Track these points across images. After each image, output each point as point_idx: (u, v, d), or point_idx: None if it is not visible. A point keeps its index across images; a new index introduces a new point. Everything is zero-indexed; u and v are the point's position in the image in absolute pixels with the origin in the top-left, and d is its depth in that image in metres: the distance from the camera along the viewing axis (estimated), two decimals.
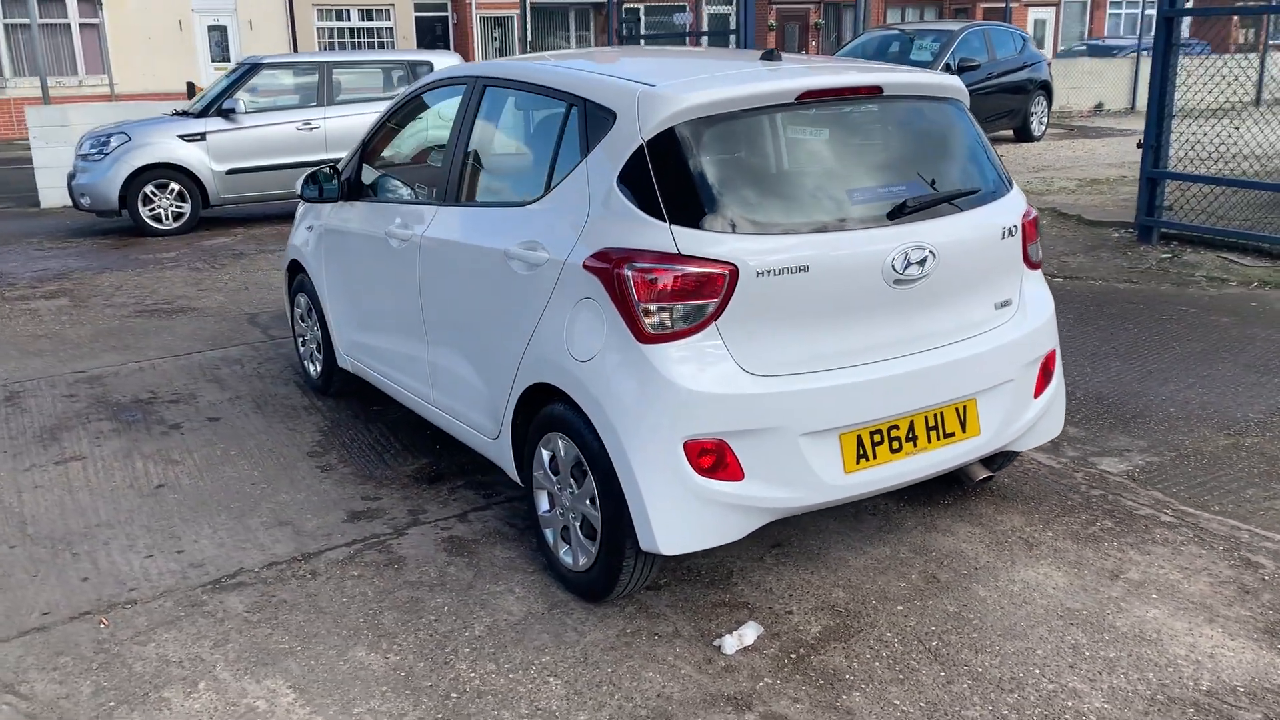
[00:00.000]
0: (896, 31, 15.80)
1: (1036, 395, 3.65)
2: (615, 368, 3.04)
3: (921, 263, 3.21)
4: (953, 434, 3.39)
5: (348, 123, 11.40)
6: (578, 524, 3.34)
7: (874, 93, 3.38)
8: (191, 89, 14.46)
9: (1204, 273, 7.44)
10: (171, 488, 4.38)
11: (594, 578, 3.29)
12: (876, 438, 3.23)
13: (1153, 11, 39.07)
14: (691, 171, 3.08)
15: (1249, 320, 6.30)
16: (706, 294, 2.97)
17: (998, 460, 3.89)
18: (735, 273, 2.97)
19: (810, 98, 3.25)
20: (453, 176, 3.96)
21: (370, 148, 4.74)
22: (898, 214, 3.21)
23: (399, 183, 4.58)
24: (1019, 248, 3.55)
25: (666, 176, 3.06)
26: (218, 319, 7.15)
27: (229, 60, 29.04)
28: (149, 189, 10.74)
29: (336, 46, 28.54)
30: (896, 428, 3.26)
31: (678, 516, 3.02)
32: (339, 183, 4.74)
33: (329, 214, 4.92)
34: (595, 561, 3.26)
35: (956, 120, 3.55)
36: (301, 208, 5.45)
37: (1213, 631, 3.13)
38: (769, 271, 3.01)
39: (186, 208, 10.87)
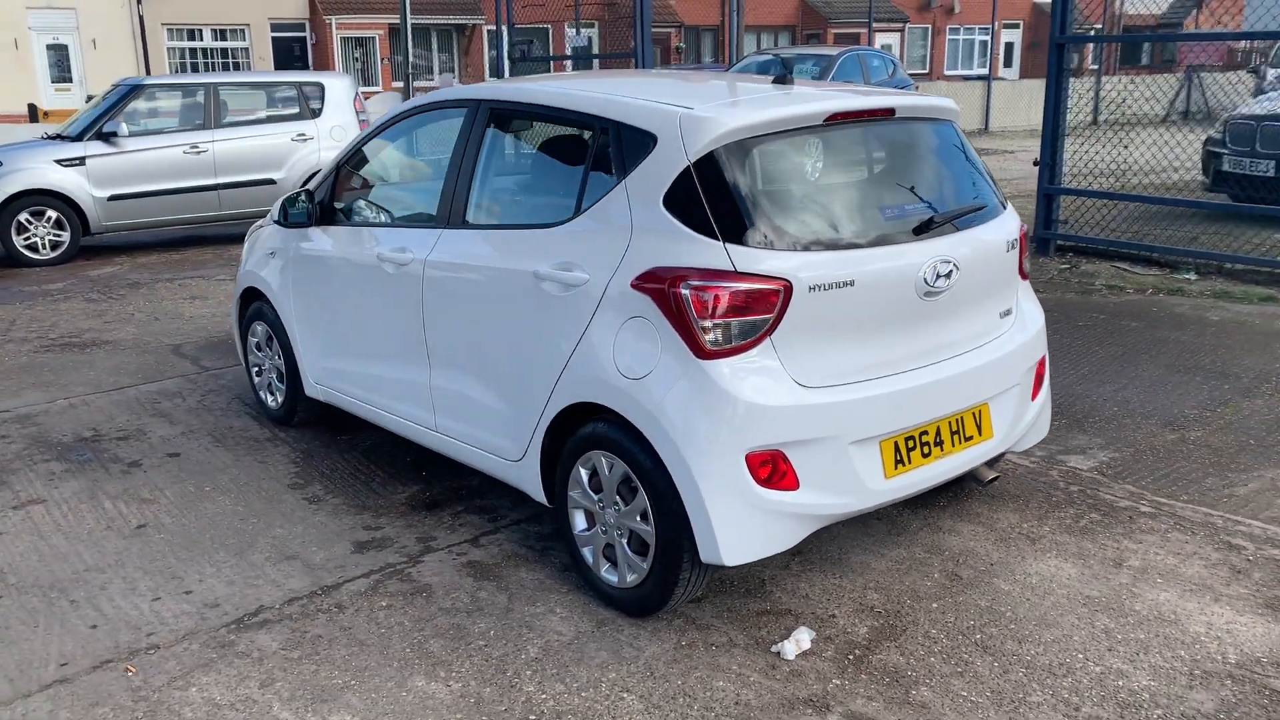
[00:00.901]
0: (771, 56, 16.31)
1: (1033, 398, 3.88)
2: (673, 384, 3.10)
3: (948, 275, 3.38)
4: (971, 437, 3.57)
5: (238, 146, 11.08)
6: (624, 540, 3.36)
7: (888, 115, 3.54)
8: (34, 111, 13.74)
9: (1103, 281, 7.97)
10: (154, 527, 4.19)
11: (645, 593, 3.33)
12: (910, 443, 3.38)
13: (987, 38, 41.31)
14: (740, 191, 3.17)
15: (1155, 324, 6.79)
16: (762, 309, 3.06)
17: (998, 461, 4.10)
18: (789, 288, 3.07)
19: (836, 120, 3.39)
20: (457, 200, 3.94)
21: (345, 172, 4.65)
22: (923, 229, 3.38)
23: (385, 207, 4.51)
24: (1016, 260, 3.78)
25: (715, 196, 3.14)
26: (138, 352, 6.83)
27: (71, 81, 27.63)
28: (24, 217, 10.16)
29: (189, 68, 27.53)
30: (926, 433, 3.42)
31: (739, 527, 3.09)
32: (312, 207, 4.63)
33: (297, 239, 4.80)
34: (648, 576, 3.30)
35: (954, 139, 3.76)
36: (258, 233, 5.29)
37: (1222, 609, 3.39)
38: (820, 286, 3.12)
39: (65, 236, 10.33)
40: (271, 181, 11.27)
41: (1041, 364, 3.92)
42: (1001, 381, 3.65)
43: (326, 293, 4.63)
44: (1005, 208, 3.81)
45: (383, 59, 28.87)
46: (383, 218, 4.51)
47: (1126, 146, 8.93)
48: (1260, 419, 5.05)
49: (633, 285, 3.21)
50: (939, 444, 3.46)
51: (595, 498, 3.44)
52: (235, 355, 6.58)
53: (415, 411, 4.22)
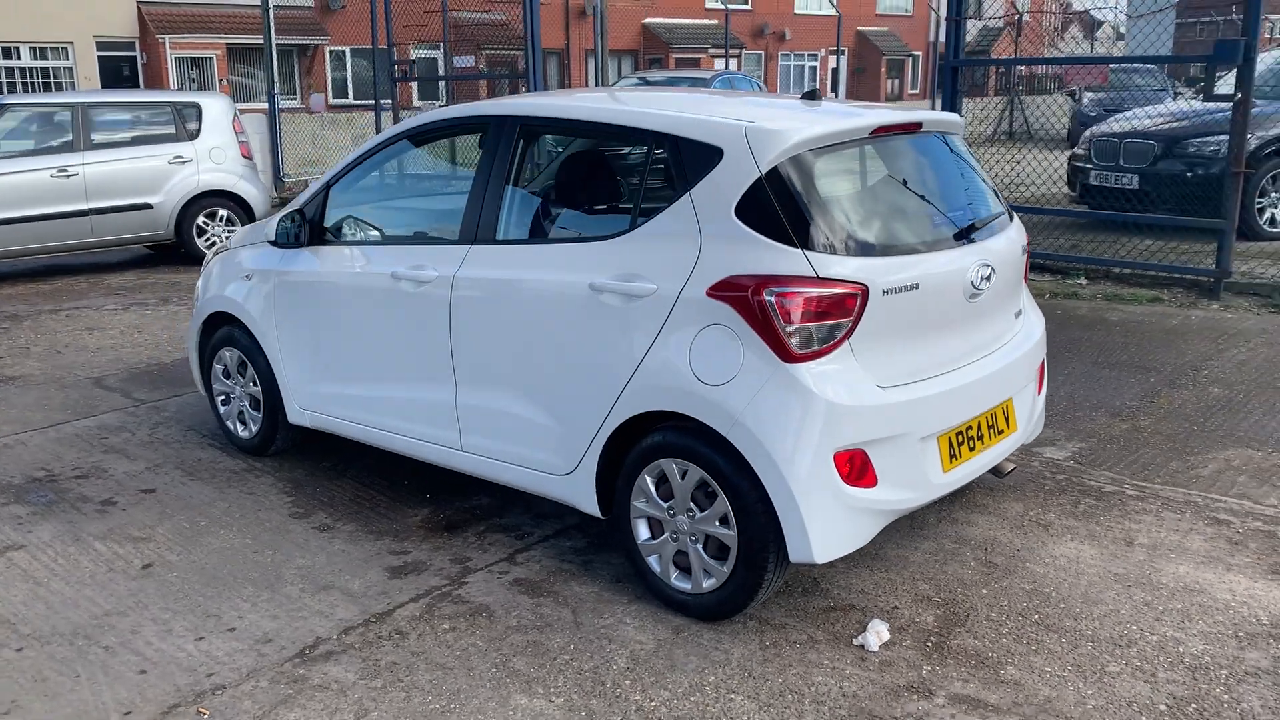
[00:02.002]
0: (637, 79, 16.60)
1: (1039, 393, 4.15)
2: (759, 388, 3.18)
3: (988, 278, 3.59)
4: (1002, 430, 3.79)
5: (110, 169, 10.50)
6: (699, 546, 3.41)
7: (916, 128, 3.74)
8: None
9: None
10: (162, 566, 3.97)
11: (724, 596, 3.38)
12: (960, 438, 3.56)
13: (815, 64, 43.06)
14: (811, 200, 3.29)
15: (1063, 325, 7.28)
16: (842, 313, 3.18)
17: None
18: (866, 292, 3.21)
19: (878, 133, 3.56)
20: (486, 216, 3.91)
21: (339, 191, 4.52)
22: (964, 235, 3.59)
23: (392, 225, 4.42)
24: (1024, 264, 4.04)
25: (789, 205, 3.25)
26: (56, 386, 6.40)
27: None
28: None
29: (5, 88, 25.80)
30: (971, 428, 3.61)
31: (828, 525, 3.20)
32: (303, 227, 4.49)
33: (284, 260, 4.64)
34: (728, 580, 3.35)
35: (964, 151, 3.99)
36: (225, 256, 5.08)
37: (1236, 578, 3.70)
38: (891, 290, 3.27)
39: None
40: (148, 206, 10.73)
41: (1042, 362, 4.19)
42: (1022, 378, 3.89)
43: (321, 315, 4.49)
44: (1013, 215, 4.06)
45: (220, 80, 27.78)
46: (389, 236, 4.41)
47: (984, 163, 9.54)
48: (1193, 407, 5.51)
49: (708, 293, 3.27)
50: (980, 438, 3.66)
51: (664, 505, 3.47)
52: (168, 386, 6.27)
53: (435, 432, 4.14)
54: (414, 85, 13.92)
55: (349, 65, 32.14)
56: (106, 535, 4.24)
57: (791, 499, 3.15)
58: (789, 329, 3.14)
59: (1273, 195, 9.36)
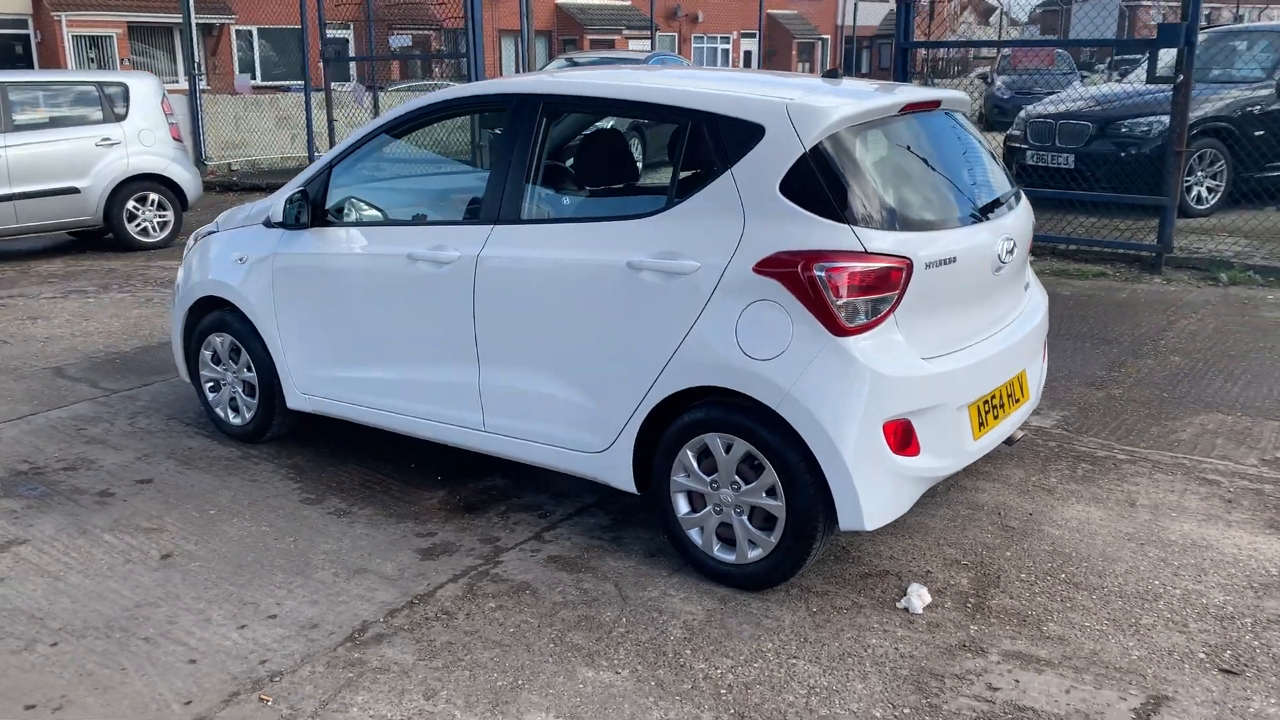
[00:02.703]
0: (565, 60, 16.53)
1: (1043, 364, 4.31)
2: (809, 362, 3.25)
3: (1011, 251, 3.72)
4: (1018, 400, 3.94)
5: (34, 152, 10.08)
6: (745, 517, 3.47)
7: (935, 106, 3.84)
8: None
9: None
10: (183, 556, 3.88)
11: (770, 566, 3.45)
12: (987, 406, 3.69)
13: (728, 46, 43.34)
14: (855, 176, 3.37)
15: None
16: (888, 287, 3.27)
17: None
18: (910, 265, 3.30)
19: (907, 110, 3.66)
20: (510, 195, 3.89)
21: (342, 172, 4.44)
22: (988, 210, 3.71)
23: (404, 206, 4.36)
24: (1031, 238, 4.18)
25: (834, 181, 3.32)
26: (12, 377, 6.15)
27: None
28: None
29: None
30: (996, 397, 3.74)
31: (877, 493, 3.29)
32: (306, 208, 4.41)
33: (284, 242, 4.54)
34: (775, 550, 3.42)
35: (973, 129, 4.11)
36: (215, 239, 4.95)
37: (1238, 533, 3.92)
38: (932, 263, 3.37)
39: None
40: (75, 190, 10.34)
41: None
42: (1033, 349, 4.04)
43: (328, 297, 4.42)
44: (1020, 191, 4.21)
45: (122, 60, 26.75)
46: (401, 217, 4.35)
47: None
48: (1159, 375, 5.77)
49: (755, 270, 3.32)
50: (1001, 406, 3.80)
51: (707, 479, 3.52)
52: (135, 375, 6.09)
53: (455, 413, 4.12)
54: (327, 66, 13.54)
55: (256, 45, 31.26)
56: (114, 527, 4.12)
57: (844, 469, 3.23)
58: (839, 303, 3.21)
59: (1199, 174, 9.79)
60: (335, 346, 4.46)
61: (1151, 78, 7.72)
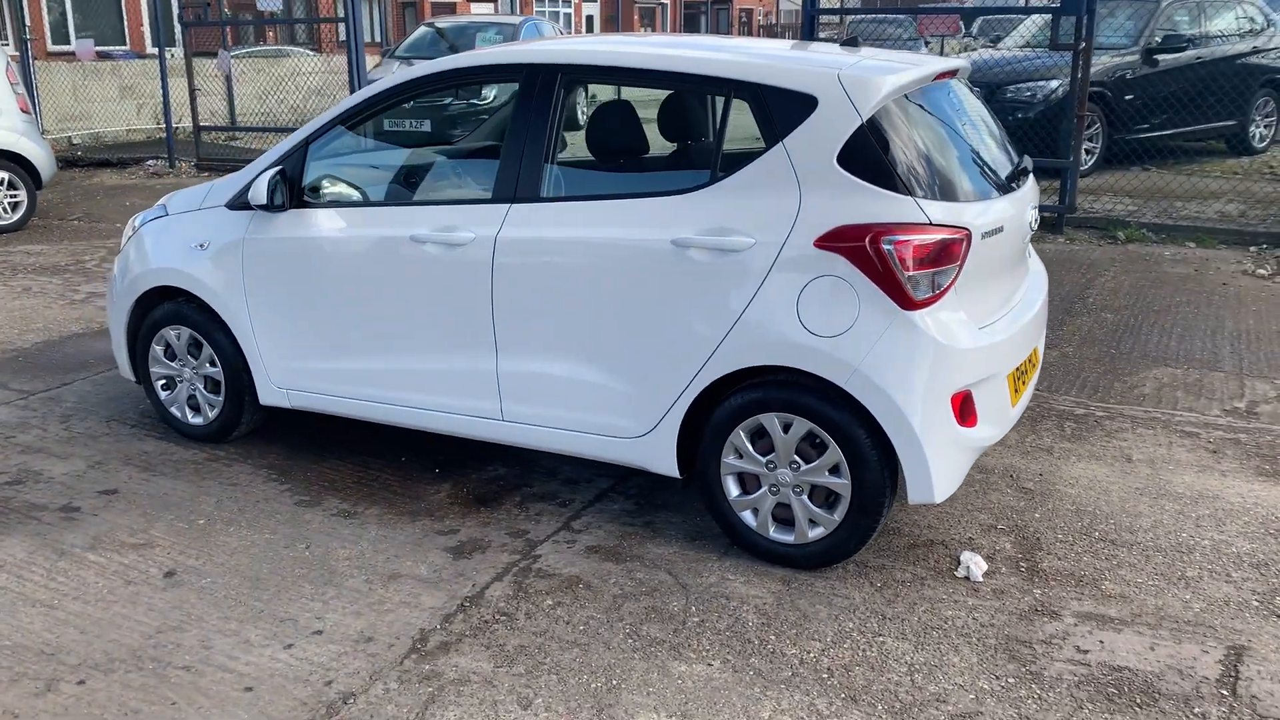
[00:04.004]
0: (427, 26, 15.97)
1: None
2: (879, 337, 3.21)
3: (1035, 221, 3.78)
4: (1035, 366, 4.02)
5: None
6: (805, 497, 3.43)
7: (954, 74, 3.85)
8: None
9: None
10: (189, 572, 3.56)
11: (833, 544, 3.42)
12: (1018, 375, 3.74)
13: (570, 10, 42.89)
14: (911, 146, 3.34)
15: None
16: (950, 258, 3.26)
17: None
18: (970, 236, 3.30)
19: (938, 79, 3.65)
20: (527, 172, 3.69)
21: (325, 149, 4.13)
22: (1015, 178, 3.75)
23: (399, 184, 4.08)
24: None
25: (893, 152, 3.28)
26: None
27: None
28: None
29: None
30: (1023, 365, 3.80)
31: (946, 466, 3.30)
32: (284, 188, 4.09)
33: (256, 226, 4.20)
34: (838, 528, 3.39)
35: (976, 97, 4.15)
36: (166, 223, 4.54)
37: (1235, 482, 4.12)
38: (987, 233, 3.38)
39: None
40: None
41: None
42: (1044, 316, 4.12)
43: (312, 284, 4.11)
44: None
45: None
46: (397, 196, 4.08)
47: None
48: (1100, 333, 6.03)
49: (817, 244, 3.26)
50: (1025, 373, 3.86)
51: (763, 460, 3.46)
52: (49, 374, 5.58)
53: (468, 402, 3.91)
54: (186, 31, 12.61)
55: (68, 5, 29.05)
56: (95, 545, 3.75)
57: (916, 443, 3.22)
58: (910, 276, 3.18)
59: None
60: (320, 337, 4.16)
61: (1054, 44, 8.00)
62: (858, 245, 3.21)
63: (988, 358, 3.40)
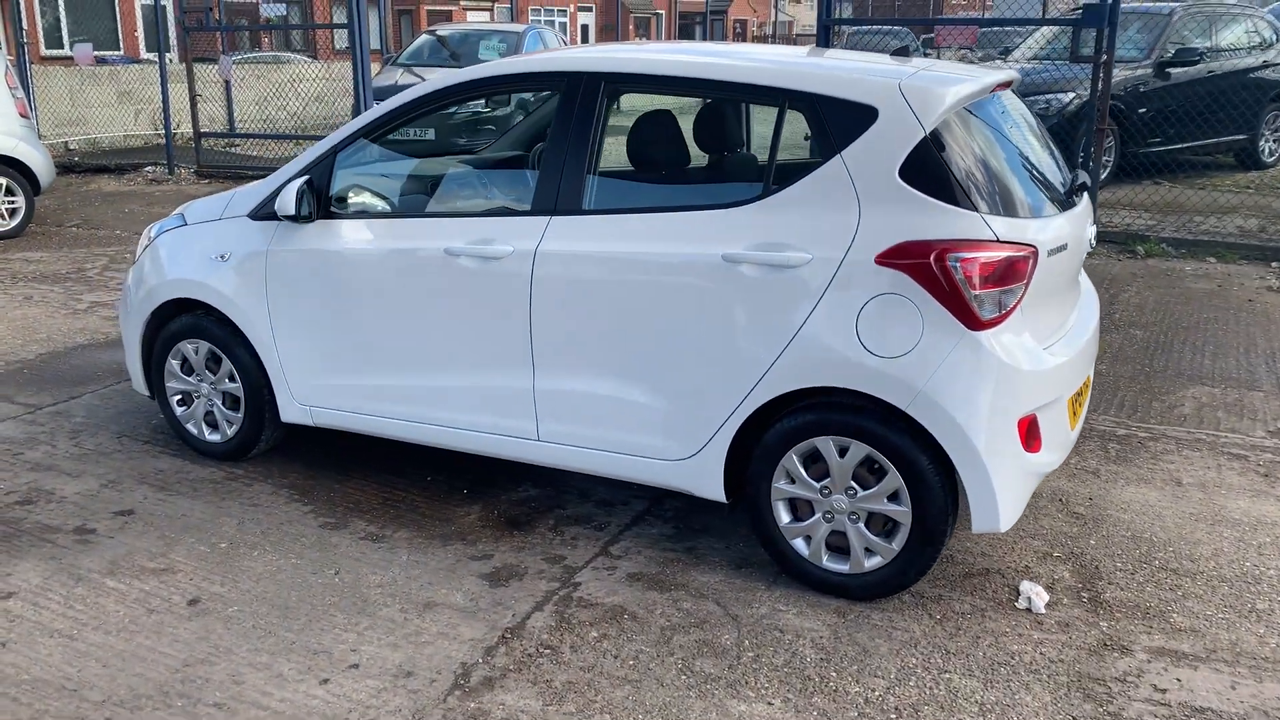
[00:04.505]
0: (427, 35, 15.82)
1: None
2: (944, 358, 3.07)
3: (1094, 239, 3.65)
4: (1087, 388, 3.88)
5: None
6: (862, 524, 3.29)
7: (1008, 85, 3.73)
8: None
9: None
10: (214, 600, 3.40)
11: (890, 574, 3.28)
12: (1076, 398, 3.61)
13: (565, 19, 42.86)
14: (975, 159, 3.21)
15: None
16: (1016, 277, 3.12)
17: None
18: (1036, 254, 3.16)
19: (995, 90, 3.52)
20: (569, 183, 3.55)
21: (349, 158, 3.98)
22: (1075, 192, 3.62)
23: (432, 194, 3.94)
24: None
25: (958, 166, 3.15)
26: None
27: None
28: None
29: None
30: (1079, 388, 3.66)
31: (1012, 493, 3.17)
32: (312, 199, 3.94)
33: (282, 237, 4.05)
34: (897, 558, 3.25)
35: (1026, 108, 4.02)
36: (182, 234, 4.38)
37: None
38: (1053, 250, 3.25)
39: None
40: None
41: None
42: (1097, 337, 3.98)
43: (339, 298, 3.96)
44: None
45: None
46: (430, 207, 3.93)
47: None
48: (1133, 350, 5.91)
49: (878, 261, 3.12)
50: (1081, 394, 3.73)
51: (817, 485, 3.31)
52: (56, 387, 5.41)
53: (502, 421, 3.77)
54: (187, 36, 12.42)
55: (62, 9, 28.88)
56: (113, 570, 3.58)
57: (983, 470, 3.08)
58: (978, 295, 3.05)
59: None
60: (348, 352, 4.01)
61: (1075, 57, 7.90)
62: (922, 262, 3.08)
63: (1052, 381, 3.26)
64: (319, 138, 12.59)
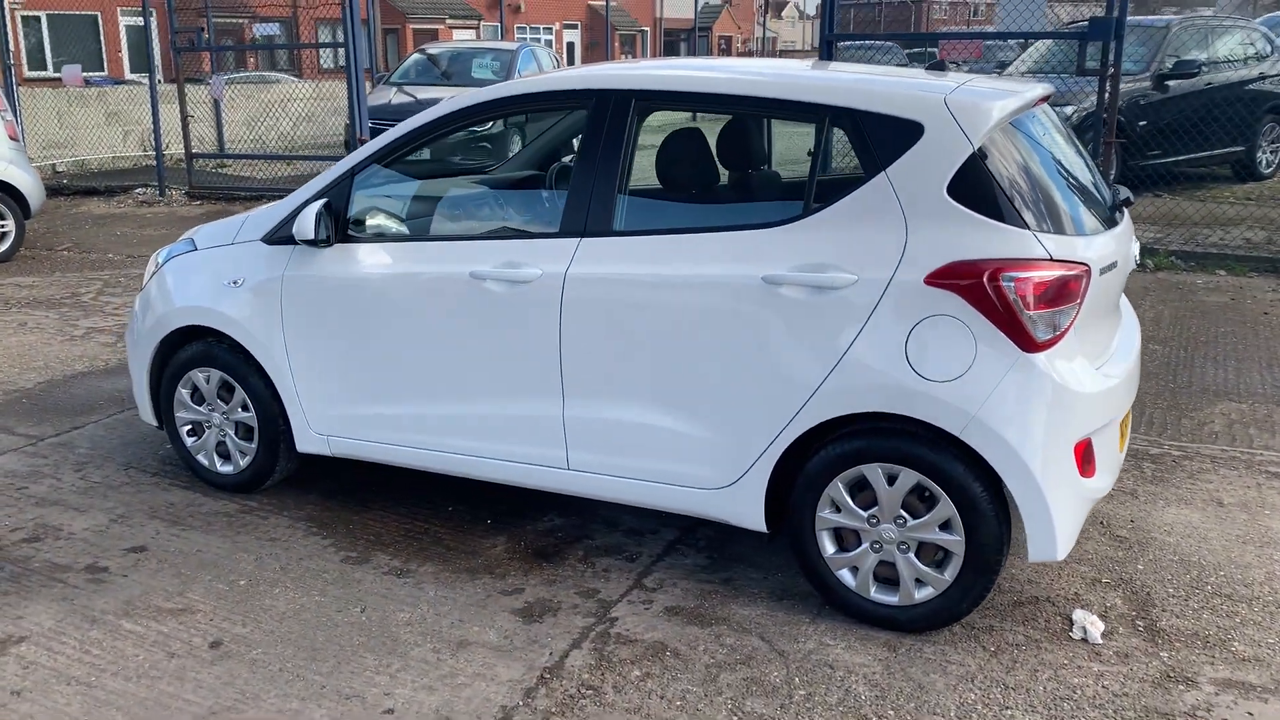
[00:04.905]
0: (419, 54, 15.74)
1: None
2: (998, 381, 2.97)
3: (1138, 257, 3.56)
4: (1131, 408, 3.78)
5: None
6: (912, 554, 3.17)
7: (1046, 99, 3.64)
8: None
9: None
10: (237, 642, 3.25)
11: (941, 606, 3.17)
12: (1125, 421, 3.51)
13: (551, 36, 42.89)
14: (1024, 176, 3.11)
15: None
16: (1069, 297, 3.02)
17: None
18: (1089, 272, 3.07)
19: (1037, 104, 3.43)
20: (598, 204, 3.44)
21: (368, 180, 3.86)
22: (1119, 209, 3.53)
23: (455, 217, 3.82)
24: None
25: (1006, 183, 3.05)
26: None
27: None
28: None
29: None
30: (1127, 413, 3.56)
31: (1068, 520, 3.06)
32: (330, 223, 3.81)
33: (298, 261, 3.92)
34: (949, 589, 3.14)
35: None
36: (187, 259, 4.24)
37: None
38: (1105, 269, 3.15)
39: None
40: None
41: None
42: (1139, 358, 3.89)
43: (360, 324, 3.83)
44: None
45: None
46: (453, 230, 3.81)
47: None
48: (1154, 365, 5.83)
49: (927, 281, 3.02)
50: (1127, 417, 3.63)
51: (864, 515, 3.20)
52: (57, 417, 5.25)
53: (531, 450, 3.64)
54: (178, 56, 12.27)
55: (45, 31, 28.76)
56: (129, 611, 3.44)
57: (1040, 497, 2.97)
58: (1031, 316, 2.95)
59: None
60: (368, 380, 3.88)
61: (1081, 70, 7.85)
62: (974, 283, 2.97)
63: (1107, 402, 3.17)
64: (312, 158, 12.48)
